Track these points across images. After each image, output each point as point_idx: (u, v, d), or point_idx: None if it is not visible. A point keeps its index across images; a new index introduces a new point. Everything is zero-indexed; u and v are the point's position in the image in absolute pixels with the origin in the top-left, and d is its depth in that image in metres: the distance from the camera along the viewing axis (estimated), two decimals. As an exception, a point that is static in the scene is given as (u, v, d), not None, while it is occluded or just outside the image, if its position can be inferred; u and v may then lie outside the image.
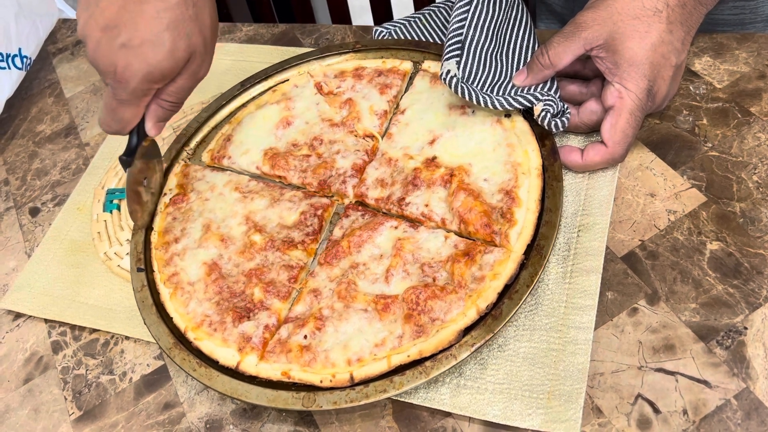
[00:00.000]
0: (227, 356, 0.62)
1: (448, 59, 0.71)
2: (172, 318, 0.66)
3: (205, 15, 0.61)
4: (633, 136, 0.65)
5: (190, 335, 0.65)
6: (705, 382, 0.56)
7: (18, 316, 0.74)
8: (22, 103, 1.00)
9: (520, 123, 0.70)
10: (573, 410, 0.56)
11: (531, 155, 0.67)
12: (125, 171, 0.68)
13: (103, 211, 0.80)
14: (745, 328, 0.58)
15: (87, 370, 0.69)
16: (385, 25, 0.87)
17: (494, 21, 0.74)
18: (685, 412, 0.55)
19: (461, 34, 0.72)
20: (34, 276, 0.76)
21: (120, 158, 0.67)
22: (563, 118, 0.68)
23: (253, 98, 0.84)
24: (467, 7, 0.74)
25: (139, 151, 0.67)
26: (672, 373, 0.57)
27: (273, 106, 0.81)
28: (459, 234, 0.65)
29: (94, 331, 0.71)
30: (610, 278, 0.63)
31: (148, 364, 0.68)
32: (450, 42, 0.72)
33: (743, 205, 0.64)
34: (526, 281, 0.60)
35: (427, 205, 0.67)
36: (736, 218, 0.64)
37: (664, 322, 0.59)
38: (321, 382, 0.59)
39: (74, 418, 0.66)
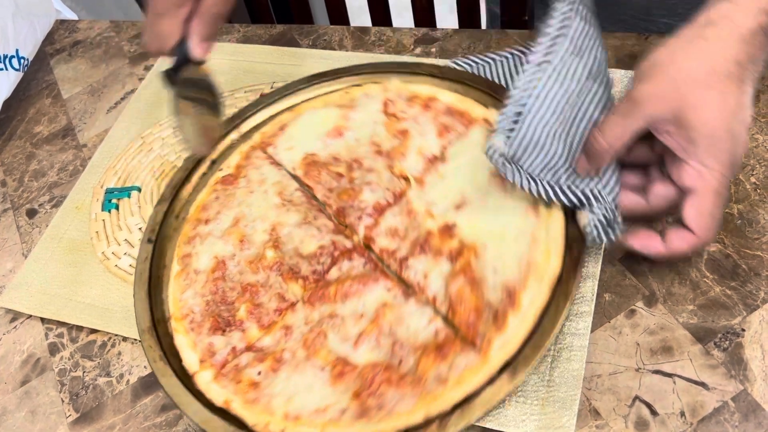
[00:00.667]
0: (190, 361, 0.63)
1: (498, 133, 0.64)
2: (165, 299, 0.68)
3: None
4: (722, 217, 0.57)
5: (172, 323, 0.66)
6: (702, 384, 0.56)
7: (15, 317, 0.74)
8: (20, 104, 0.99)
9: (556, 216, 0.62)
10: (567, 417, 0.55)
11: (552, 260, 0.60)
12: (167, 88, 0.64)
13: (102, 210, 0.80)
14: (743, 330, 0.58)
15: (84, 372, 0.69)
16: (459, 60, 0.81)
17: (567, 93, 0.66)
18: (682, 414, 0.55)
19: (523, 104, 0.65)
20: (31, 274, 0.76)
21: (163, 72, 0.63)
22: (612, 234, 0.59)
23: (325, 93, 0.81)
24: (539, 74, 0.66)
25: (187, 77, 0.63)
26: (669, 375, 0.57)
27: (335, 110, 0.78)
28: (445, 319, 0.60)
29: (92, 332, 0.71)
30: (608, 280, 0.63)
31: (145, 366, 0.68)
32: (506, 112, 0.65)
33: (741, 206, 0.64)
34: (484, 402, 0.55)
35: (425, 276, 0.63)
36: (733, 220, 0.64)
37: (662, 324, 0.59)
38: (254, 426, 0.58)
39: (71, 420, 0.66)
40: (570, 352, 0.59)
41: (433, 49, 0.89)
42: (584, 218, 0.59)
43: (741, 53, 0.55)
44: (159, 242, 0.72)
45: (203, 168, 0.78)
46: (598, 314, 0.61)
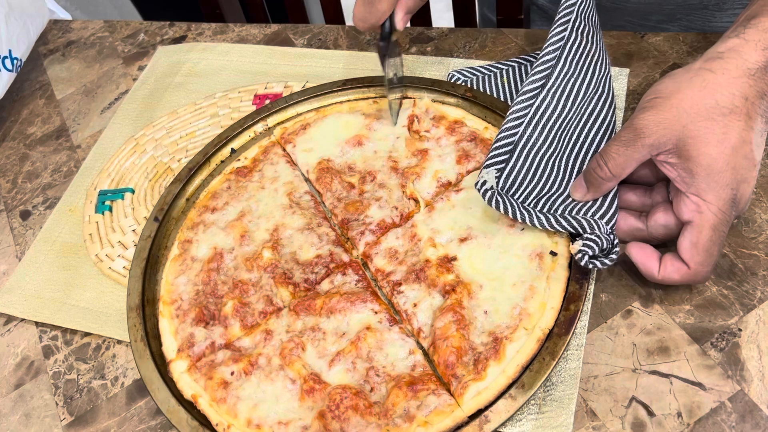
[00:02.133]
0: (168, 347, 0.64)
1: (488, 166, 0.63)
2: (159, 280, 0.69)
3: None
4: (719, 253, 0.55)
5: (160, 306, 0.67)
6: (699, 385, 0.55)
7: (9, 320, 0.74)
8: (13, 105, 0.99)
9: (560, 270, 0.60)
10: (565, 416, 0.55)
11: (546, 313, 0.58)
12: (381, 58, 0.72)
13: (95, 212, 0.79)
14: (740, 330, 0.58)
15: (78, 375, 0.68)
16: (464, 71, 0.80)
17: (561, 119, 0.65)
18: (679, 414, 0.54)
19: (516, 133, 0.65)
20: (24, 278, 0.76)
21: (377, 44, 0.71)
22: (607, 259, 0.57)
23: (355, 99, 0.81)
24: (532, 101, 0.65)
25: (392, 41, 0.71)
26: (666, 376, 0.56)
27: (360, 117, 0.78)
28: (425, 354, 0.60)
29: (86, 335, 0.71)
30: (605, 280, 0.62)
31: (140, 369, 0.67)
32: (498, 143, 0.64)
33: (737, 205, 0.64)
34: None
35: (415, 305, 0.62)
36: (730, 219, 0.63)
37: (659, 324, 0.59)
38: (216, 425, 0.58)
39: (66, 423, 0.65)
40: (567, 352, 0.58)
41: (429, 48, 0.88)
42: (574, 248, 0.58)
43: (748, 88, 0.54)
44: (165, 222, 0.73)
45: (223, 155, 0.79)
46: (594, 314, 0.61)
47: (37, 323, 0.73)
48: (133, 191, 0.80)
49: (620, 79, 0.76)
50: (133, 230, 0.77)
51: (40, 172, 0.89)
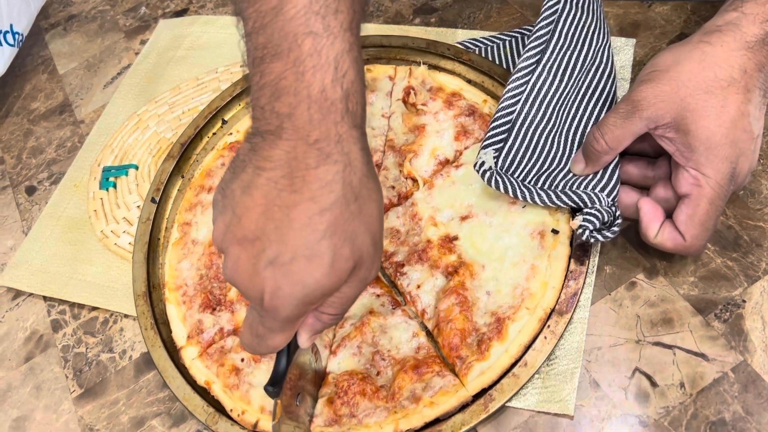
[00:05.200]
0: (178, 334, 0.64)
1: (486, 147, 0.63)
2: (162, 264, 0.69)
3: (372, 204, 0.46)
4: (714, 227, 0.55)
5: (165, 292, 0.67)
6: (702, 356, 0.56)
7: (17, 295, 0.75)
8: (16, 80, 0.98)
9: (561, 248, 0.60)
10: (568, 390, 0.56)
11: (548, 292, 0.58)
12: (273, 401, 0.51)
13: (100, 188, 0.79)
14: (744, 301, 0.58)
15: (87, 349, 0.69)
16: (468, 42, 0.78)
17: (558, 94, 0.64)
18: (682, 385, 0.55)
19: (513, 111, 0.64)
20: (31, 253, 0.76)
21: (265, 388, 0.50)
22: (609, 232, 0.57)
23: None
24: (528, 77, 0.65)
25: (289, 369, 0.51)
26: (669, 347, 0.57)
27: None
28: (429, 336, 0.60)
29: (93, 309, 0.71)
30: (609, 252, 0.62)
31: (147, 342, 0.68)
32: (495, 123, 0.64)
33: (743, 177, 0.64)
34: (455, 426, 0.54)
35: (419, 286, 0.62)
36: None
37: (663, 296, 0.59)
38: (231, 411, 0.59)
39: (75, 395, 0.66)
40: (571, 325, 0.58)
41: (433, 20, 0.87)
42: (575, 224, 0.58)
43: (747, 61, 0.53)
44: (162, 203, 0.73)
45: (215, 127, 0.78)
46: (598, 287, 0.61)
47: (45, 298, 0.73)
48: (137, 167, 0.80)
49: (626, 49, 0.75)
50: (138, 206, 0.77)
51: (44, 147, 0.89)
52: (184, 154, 0.76)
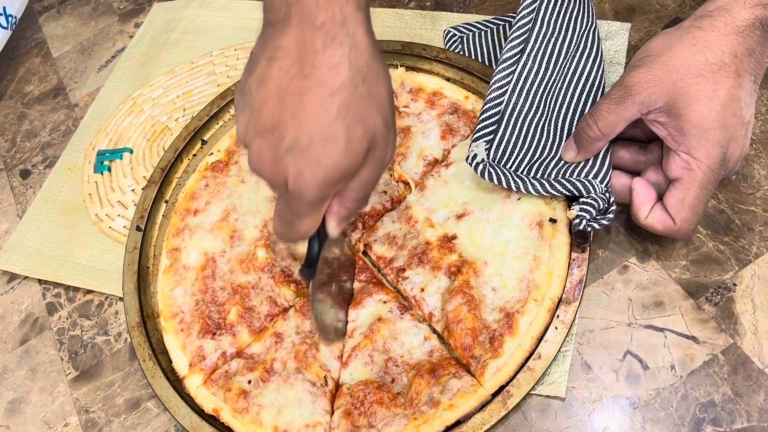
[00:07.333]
0: (179, 363, 0.62)
1: (477, 139, 0.62)
2: (154, 293, 0.66)
3: (380, 85, 0.47)
4: (703, 211, 0.55)
5: (161, 322, 0.64)
6: (693, 338, 0.56)
7: (12, 278, 0.75)
8: (9, 64, 0.98)
9: (561, 236, 0.59)
10: (560, 372, 0.56)
11: (553, 281, 0.57)
12: (307, 284, 0.56)
13: (94, 172, 0.79)
14: (735, 285, 0.58)
15: (82, 331, 0.69)
16: (461, 27, 0.78)
17: (545, 82, 0.64)
18: (672, 367, 0.55)
19: (501, 102, 0.64)
20: (26, 236, 0.76)
21: (300, 270, 0.56)
22: (605, 219, 0.57)
23: None
24: (514, 67, 0.64)
25: (321, 256, 0.54)
26: (661, 330, 0.57)
27: None
28: (440, 338, 0.59)
29: (88, 292, 0.71)
30: (602, 236, 0.63)
31: (142, 325, 0.68)
32: (484, 115, 0.63)
33: (736, 161, 0.64)
34: (476, 427, 0.53)
35: (423, 290, 0.61)
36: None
37: (654, 280, 0.60)
38: None
39: (71, 377, 0.67)
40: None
41: (428, 3, 0.87)
42: (572, 213, 0.58)
43: (738, 45, 0.53)
44: (148, 230, 0.70)
45: (194, 148, 0.75)
46: (591, 270, 0.61)
47: (39, 281, 0.74)
48: (131, 151, 0.80)
49: (621, 34, 0.75)
50: (132, 190, 0.77)
51: (38, 131, 0.89)
52: (165, 178, 0.73)
